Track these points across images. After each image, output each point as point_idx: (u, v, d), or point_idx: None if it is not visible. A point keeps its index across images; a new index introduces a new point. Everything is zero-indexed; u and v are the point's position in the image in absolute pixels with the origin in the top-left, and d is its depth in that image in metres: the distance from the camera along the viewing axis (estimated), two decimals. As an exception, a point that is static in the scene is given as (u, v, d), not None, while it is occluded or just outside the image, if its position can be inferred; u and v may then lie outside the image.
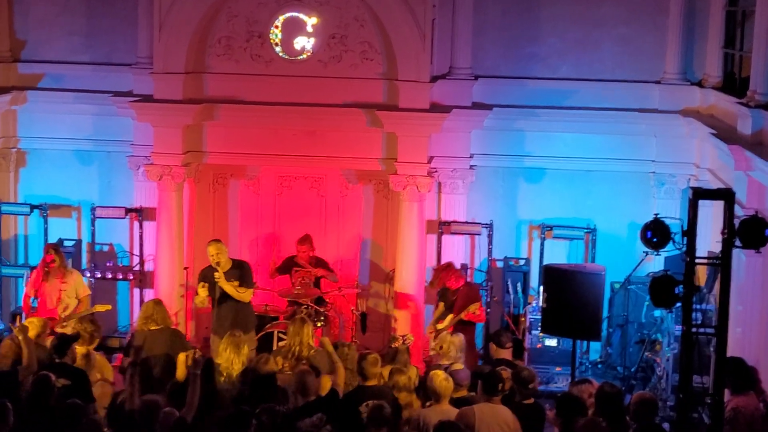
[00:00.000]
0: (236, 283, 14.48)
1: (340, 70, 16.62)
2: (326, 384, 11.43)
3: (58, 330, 14.17)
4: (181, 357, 11.97)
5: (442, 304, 15.49)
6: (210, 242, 14.72)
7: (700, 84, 16.72)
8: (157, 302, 13.51)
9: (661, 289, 9.88)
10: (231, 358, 12.02)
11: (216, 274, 14.39)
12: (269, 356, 12.01)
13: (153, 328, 13.09)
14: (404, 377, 11.55)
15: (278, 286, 16.86)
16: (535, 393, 11.67)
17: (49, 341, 12.53)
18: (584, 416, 10.48)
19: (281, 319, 15.88)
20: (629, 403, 10.89)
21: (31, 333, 12.43)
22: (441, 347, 12.61)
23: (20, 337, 11.84)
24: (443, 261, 16.49)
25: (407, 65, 16.18)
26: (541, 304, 14.93)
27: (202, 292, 14.45)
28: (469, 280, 16.16)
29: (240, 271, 14.64)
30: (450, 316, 15.09)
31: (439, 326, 15.05)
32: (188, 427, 10.15)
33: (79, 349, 12.25)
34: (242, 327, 14.42)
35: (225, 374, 11.90)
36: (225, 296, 14.53)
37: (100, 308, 14.94)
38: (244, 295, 14.62)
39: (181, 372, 11.81)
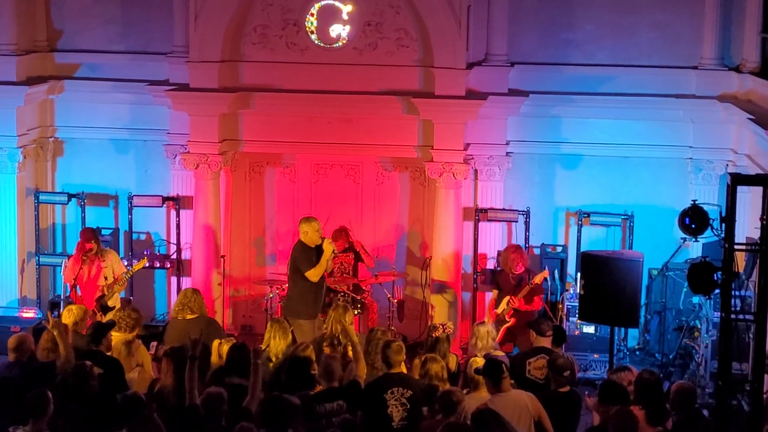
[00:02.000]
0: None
1: (375, 57, 16.61)
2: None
3: (110, 303, 14.64)
4: (215, 344, 12.01)
5: (496, 291, 15.49)
6: (310, 219, 14.89)
7: (737, 69, 16.59)
8: (195, 291, 13.59)
9: (699, 275, 9.85)
10: (278, 341, 12.08)
11: (332, 248, 14.77)
12: (310, 344, 12.03)
13: (189, 317, 13.15)
14: (437, 366, 11.53)
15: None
16: (571, 381, 11.63)
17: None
18: (627, 403, 10.44)
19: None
20: (668, 392, 10.85)
21: (70, 320, 12.50)
22: (475, 343, 12.60)
23: (54, 333, 11.84)
24: (481, 251, 16.57)
25: (443, 52, 16.15)
26: (578, 291, 14.89)
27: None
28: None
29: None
30: (506, 299, 15.06)
31: (498, 310, 15.10)
32: (252, 417, 10.18)
33: (120, 336, 12.30)
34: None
35: (274, 359, 11.96)
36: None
37: (137, 267, 15.38)
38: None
39: (215, 359, 11.86)
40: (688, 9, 16.69)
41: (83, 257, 15.14)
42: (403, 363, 11.56)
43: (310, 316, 14.61)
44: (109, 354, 11.95)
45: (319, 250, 14.74)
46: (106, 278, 15.17)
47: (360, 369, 11.77)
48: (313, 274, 14.65)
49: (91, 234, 15.57)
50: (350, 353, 12.20)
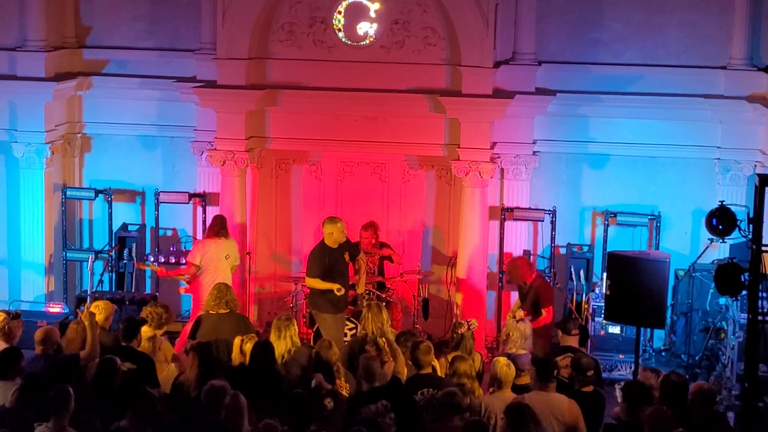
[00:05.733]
0: None
1: (402, 55, 16.61)
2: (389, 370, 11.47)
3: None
4: (237, 341, 12.03)
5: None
6: (335, 220, 15.11)
7: (767, 69, 16.51)
8: (227, 286, 13.63)
9: (726, 276, 9.83)
10: (273, 342, 12.08)
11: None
12: (332, 341, 12.05)
13: (222, 311, 13.16)
14: (465, 364, 11.54)
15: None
16: (595, 380, 11.59)
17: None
18: (651, 403, 10.41)
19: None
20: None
21: (100, 317, 12.55)
22: (508, 335, 12.60)
23: (86, 323, 11.92)
24: (506, 250, 16.57)
25: (470, 51, 16.12)
26: (604, 291, 14.84)
27: None
28: (540, 273, 15.94)
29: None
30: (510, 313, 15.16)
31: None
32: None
33: (146, 332, 12.34)
34: None
35: (279, 359, 12.00)
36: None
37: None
38: None
39: (236, 356, 11.89)
40: (717, 8, 16.60)
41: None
42: (433, 362, 11.59)
43: (333, 312, 14.64)
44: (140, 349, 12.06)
45: (341, 249, 14.79)
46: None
47: (399, 365, 11.75)
48: (310, 282, 14.91)
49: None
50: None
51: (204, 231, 17.57)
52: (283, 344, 12.12)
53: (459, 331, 12.68)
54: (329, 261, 14.85)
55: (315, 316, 15.08)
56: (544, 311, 14.87)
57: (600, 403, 11.35)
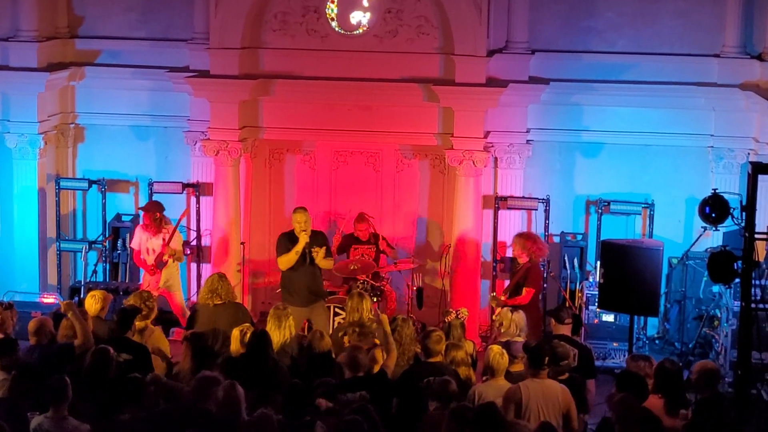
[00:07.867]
0: (321, 250, 14.62)
1: (395, 44, 16.60)
2: (379, 356, 11.44)
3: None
4: (235, 332, 12.02)
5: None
6: (299, 209, 14.81)
7: (760, 57, 16.51)
8: (221, 276, 13.52)
9: (719, 264, 9.84)
10: (271, 331, 12.08)
11: (305, 241, 14.58)
12: (324, 332, 12.07)
13: (217, 302, 13.13)
14: (461, 352, 11.59)
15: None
16: (572, 368, 11.54)
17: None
18: (645, 393, 10.42)
19: (341, 294, 15.88)
20: (691, 373, 10.83)
21: (97, 306, 12.52)
22: (501, 324, 12.58)
23: (69, 315, 11.88)
24: (500, 239, 16.65)
25: (463, 39, 16.12)
26: (598, 279, 14.87)
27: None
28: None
29: (323, 240, 14.86)
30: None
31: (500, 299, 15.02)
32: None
33: (137, 324, 12.32)
34: (318, 294, 14.74)
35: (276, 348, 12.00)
36: (303, 264, 14.72)
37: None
38: (329, 262, 14.96)
39: (235, 347, 11.88)
40: (710, -3, 16.64)
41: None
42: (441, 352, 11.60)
43: (293, 304, 14.37)
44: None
45: (315, 238, 14.72)
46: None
47: (392, 359, 11.77)
48: (281, 262, 14.75)
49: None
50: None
51: (197, 221, 17.61)
52: (281, 334, 12.13)
53: (446, 320, 12.70)
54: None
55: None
56: (524, 290, 14.73)
57: (576, 389, 11.26)
